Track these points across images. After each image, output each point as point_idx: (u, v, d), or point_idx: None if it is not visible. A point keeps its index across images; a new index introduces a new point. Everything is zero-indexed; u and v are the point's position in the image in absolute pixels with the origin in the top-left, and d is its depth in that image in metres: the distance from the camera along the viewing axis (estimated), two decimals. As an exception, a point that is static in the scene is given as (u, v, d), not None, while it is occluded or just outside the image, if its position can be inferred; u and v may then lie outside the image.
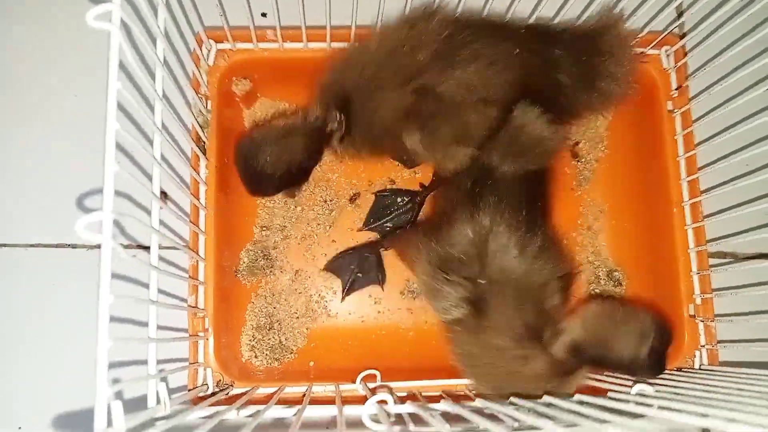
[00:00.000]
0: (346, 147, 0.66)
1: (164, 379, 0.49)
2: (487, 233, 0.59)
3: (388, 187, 0.78)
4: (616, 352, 0.58)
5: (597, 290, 0.78)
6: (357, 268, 0.75)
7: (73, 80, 0.78)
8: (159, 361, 0.51)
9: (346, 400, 0.66)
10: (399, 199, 0.77)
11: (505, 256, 0.59)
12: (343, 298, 0.76)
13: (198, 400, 0.61)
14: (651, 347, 0.58)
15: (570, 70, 0.65)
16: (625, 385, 0.57)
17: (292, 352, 0.75)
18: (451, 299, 0.60)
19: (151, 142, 0.53)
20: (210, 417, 0.50)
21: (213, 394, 0.63)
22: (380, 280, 0.76)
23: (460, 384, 0.68)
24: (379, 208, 0.77)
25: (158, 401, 0.48)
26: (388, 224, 0.77)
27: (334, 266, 0.76)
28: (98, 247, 0.41)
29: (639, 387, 0.52)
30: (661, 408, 0.43)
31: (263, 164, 0.63)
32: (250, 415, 0.52)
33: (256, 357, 0.74)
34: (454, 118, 0.61)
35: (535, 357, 0.59)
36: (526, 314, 0.59)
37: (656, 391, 0.52)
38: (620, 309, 0.62)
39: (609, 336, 0.59)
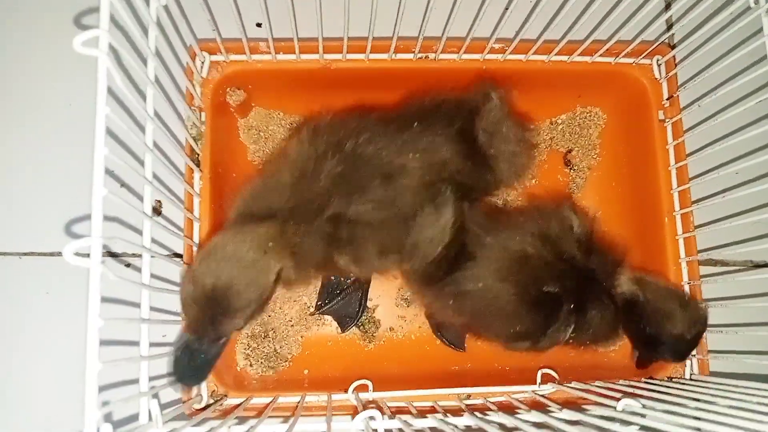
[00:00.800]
0: (296, 275, 0.63)
1: (156, 396, 0.50)
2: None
3: None
4: (667, 326, 0.63)
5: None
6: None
7: (66, 90, 0.78)
8: (152, 378, 0.51)
9: (340, 409, 0.67)
10: (345, 281, 0.76)
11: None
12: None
13: (193, 413, 0.62)
14: (694, 335, 0.64)
15: (467, 154, 0.65)
16: (614, 398, 0.57)
17: (287, 360, 0.75)
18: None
19: (142, 163, 0.54)
20: (203, 433, 0.51)
21: (207, 406, 0.64)
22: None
23: (452, 393, 0.69)
24: (327, 291, 0.76)
25: (150, 418, 0.49)
26: (337, 307, 0.76)
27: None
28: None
29: (625, 402, 0.52)
30: (643, 429, 0.43)
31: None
32: None
33: (251, 365, 0.74)
34: (372, 236, 0.61)
35: None
36: None
37: (644, 406, 0.53)
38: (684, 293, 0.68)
39: (668, 308, 0.64)
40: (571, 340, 0.63)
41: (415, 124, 0.64)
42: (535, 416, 0.52)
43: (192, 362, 0.55)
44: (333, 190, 0.60)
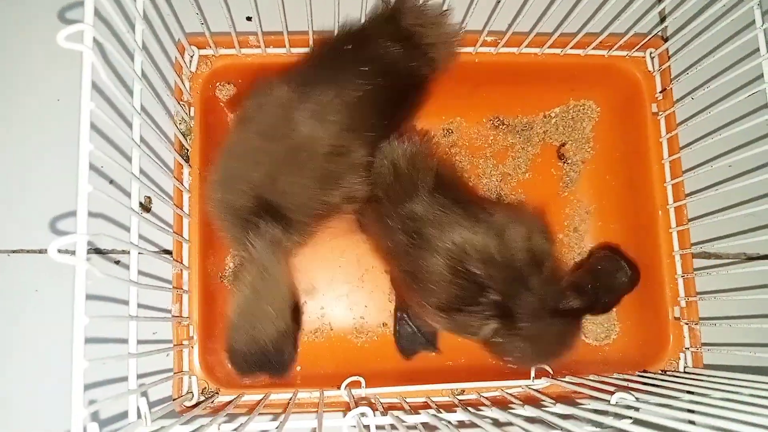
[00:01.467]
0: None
1: (144, 393, 0.49)
2: (459, 250, 0.60)
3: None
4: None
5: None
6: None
7: (54, 86, 0.78)
8: (141, 375, 0.51)
9: (332, 406, 0.67)
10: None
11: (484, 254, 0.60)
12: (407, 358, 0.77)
13: (183, 410, 0.62)
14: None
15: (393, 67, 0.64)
16: (608, 392, 0.57)
17: (280, 357, 0.75)
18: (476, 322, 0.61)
19: (129, 159, 0.53)
20: (195, 431, 0.51)
21: (198, 402, 0.63)
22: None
23: (446, 388, 0.68)
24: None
25: (139, 416, 0.49)
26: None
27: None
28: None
29: (619, 396, 0.52)
30: (636, 422, 0.43)
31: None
32: (234, 430, 0.52)
33: (243, 362, 0.74)
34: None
35: None
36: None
37: (637, 399, 0.53)
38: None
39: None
40: (497, 343, 0.62)
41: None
42: (529, 411, 0.52)
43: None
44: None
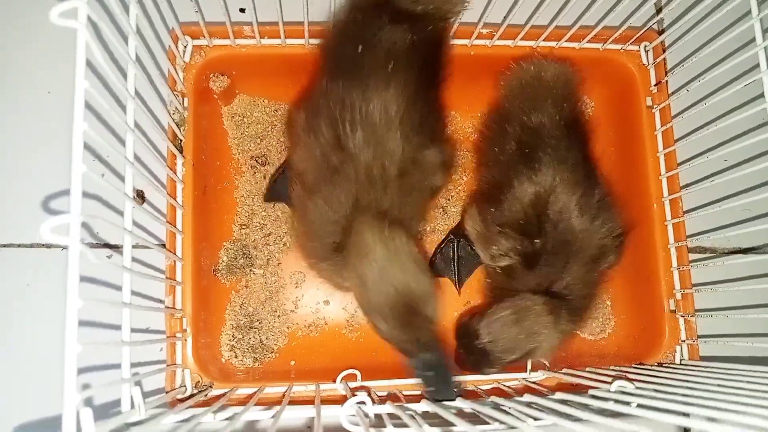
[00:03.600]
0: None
1: (138, 383, 0.48)
2: (548, 193, 0.62)
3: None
4: None
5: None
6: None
7: (46, 75, 0.76)
8: (135, 364, 0.50)
9: (328, 400, 0.65)
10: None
11: (566, 217, 0.63)
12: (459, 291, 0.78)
13: (176, 402, 0.60)
14: None
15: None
16: (606, 382, 0.57)
17: (273, 352, 0.74)
18: (502, 249, 0.65)
19: (123, 142, 0.52)
20: (186, 420, 0.50)
21: (191, 395, 0.62)
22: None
23: (442, 382, 0.68)
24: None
25: (132, 406, 0.47)
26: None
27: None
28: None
29: (618, 383, 0.52)
30: (640, 406, 0.43)
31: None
32: (227, 418, 0.51)
33: (236, 357, 0.73)
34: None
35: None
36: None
37: (637, 387, 0.52)
38: None
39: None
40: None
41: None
42: (530, 397, 0.51)
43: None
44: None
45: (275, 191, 0.75)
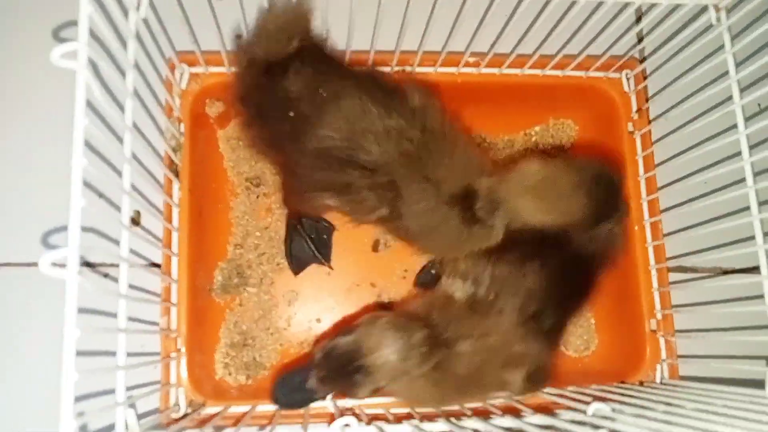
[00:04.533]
0: None
1: (132, 405, 0.50)
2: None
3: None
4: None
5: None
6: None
7: (44, 102, 0.78)
8: (129, 387, 0.52)
9: (318, 416, 0.67)
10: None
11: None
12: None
13: (170, 422, 0.62)
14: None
15: None
16: (586, 402, 0.59)
17: (265, 369, 0.76)
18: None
19: (119, 172, 0.54)
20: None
21: (185, 415, 0.64)
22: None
23: (429, 400, 0.69)
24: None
25: (126, 428, 0.49)
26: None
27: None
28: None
29: (596, 407, 0.54)
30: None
31: None
32: (219, 439, 0.53)
33: (230, 374, 0.75)
34: None
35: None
36: None
37: (614, 410, 0.54)
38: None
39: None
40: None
41: None
42: (508, 421, 0.53)
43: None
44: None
45: (298, 260, 0.78)
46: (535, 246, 0.63)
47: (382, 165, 0.60)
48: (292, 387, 0.58)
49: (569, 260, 0.64)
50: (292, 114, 0.61)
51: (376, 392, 0.58)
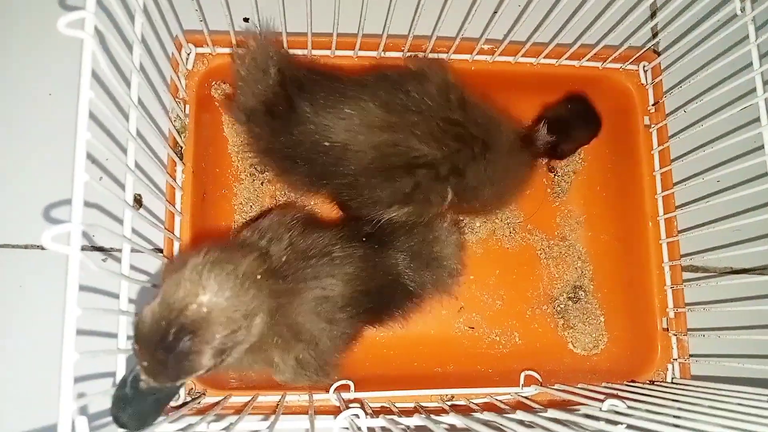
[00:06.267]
0: None
1: (133, 391, 0.48)
2: None
3: None
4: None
5: (560, 305, 0.79)
6: None
7: (47, 79, 0.76)
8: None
9: (320, 410, 0.66)
10: None
11: None
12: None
13: (169, 410, 0.60)
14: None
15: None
16: (598, 399, 0.57)
17: (266, 360, 0.74)
18: None
19: (124, 149, 0.52)
20: (183, 430, 0.50)
21: (185, 403, 0.62)
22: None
23: (434, 395, 0.68)
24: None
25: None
26: None
27: None
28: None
29: (610, 402, 0.52)
30: (630, 427, 0.43)
31: None
32: (224, 429, 0.51)
33: (230, 364, 0.73)
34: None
35: None
36: None
37: (628, 407, 0.53)
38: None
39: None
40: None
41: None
42: (523, 415, 0.52)
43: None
44: None
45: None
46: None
47: (441, 156, 0.62)
48: (126, 401, 0.46)
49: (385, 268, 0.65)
50: (327, 144, 0.62)
51: (222, 355, 0.47)
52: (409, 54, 0.73)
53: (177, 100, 0.69)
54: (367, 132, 0.62)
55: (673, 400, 0.56)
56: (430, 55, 0.73)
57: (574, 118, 0.74)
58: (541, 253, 0.80)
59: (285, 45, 0.71)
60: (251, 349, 0.51)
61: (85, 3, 0.44)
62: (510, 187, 0.72)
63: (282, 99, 0.64)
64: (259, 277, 0.49)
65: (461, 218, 0.77)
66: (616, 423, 0.45)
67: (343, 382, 0.66)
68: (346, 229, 0.65)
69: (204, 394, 0.65)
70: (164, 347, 0.44)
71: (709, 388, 0.62)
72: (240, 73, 0.65)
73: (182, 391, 0.63)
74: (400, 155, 0.62)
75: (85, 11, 0.43)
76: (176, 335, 0.44)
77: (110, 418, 0.46)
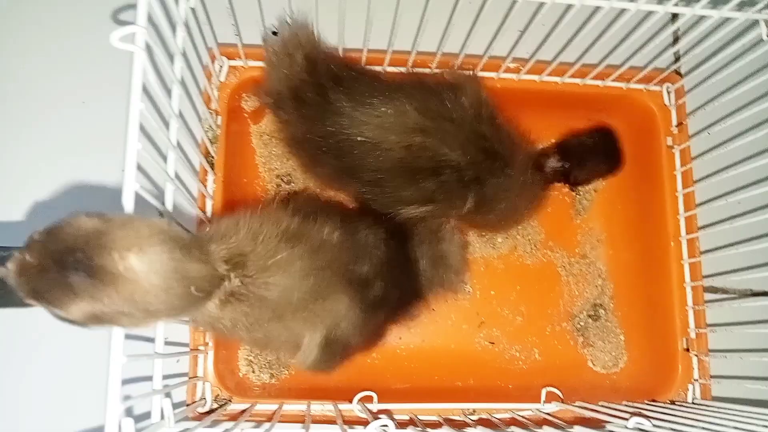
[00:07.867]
0: None
1: (169, 395, 0.49)
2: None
3: None
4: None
5: (581, 323, 0.79)
6: None
7: (81, 88, 0.78)
8: (165, 376, 0.51)
9: (344, 421, 0.66)
10: None
11: None
12: None
13: (197, 416, 0.61)
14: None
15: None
16: (621, 418, 0.58)
17: (288, 368, 0.75)
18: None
19: (165, 158, 0.54)
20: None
21: (213, 410, 0.63)
22: None
23: (456, 408, 0.68)
24: None
25: (162, 417, 0.48)
26: None
27: None
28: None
29: (636, 420, 0.53)
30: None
31: None
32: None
33: (253, 372, 0.73)
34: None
35: None
36: None
37: (654, 425, 0.53)
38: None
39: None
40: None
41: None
42: (549, 431, 0.52)
43: None
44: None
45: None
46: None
47: (465, 163, 0.64)
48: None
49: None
50: (360, 139, 0.63)
51: (93, 321, 0.40)
52: (437, 71, 0.74)
53: (210, 110, 0.70)
54: (400, 132, 0.63)
55: (698, 420, 0.56)
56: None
57: (590, 149, 0.75)
58: (561, 270, 0.81)
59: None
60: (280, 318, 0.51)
61: (135, 17, 0.46)
62: (522, 206, 0.73)
63: (311, 87, 0.64)
64: (195, 293, 0.43)
65: (481, 233, 0.79)
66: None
67: (367, 393, 0.67)
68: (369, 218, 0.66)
69: (230, 400, 0.66)
70: (57, 260, 0.38)
71: (733, 409, 0.62)
72: (269, 59, 0.67)
73: (209, 397, 0.64)
74: (428, 158, 0.63)
75: (137, 26, 0.44)
76: (77, 265, 0.38)
77: (146, 423, 0.47)
